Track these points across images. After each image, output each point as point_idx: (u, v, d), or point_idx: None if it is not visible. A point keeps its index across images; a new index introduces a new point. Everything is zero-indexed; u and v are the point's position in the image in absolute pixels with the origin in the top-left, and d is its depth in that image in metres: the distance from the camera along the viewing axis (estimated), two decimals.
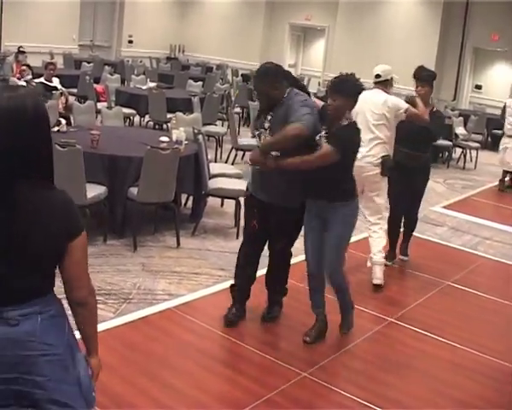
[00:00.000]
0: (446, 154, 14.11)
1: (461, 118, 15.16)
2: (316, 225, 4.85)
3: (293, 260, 5.38)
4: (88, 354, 2.61)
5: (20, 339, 2.33)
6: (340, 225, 4.79)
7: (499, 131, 13.31)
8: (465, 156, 14.13)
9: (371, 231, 6.35)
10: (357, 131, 4.77)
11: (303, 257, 5.08)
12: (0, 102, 2.29)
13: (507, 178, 11.96)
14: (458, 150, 14.33)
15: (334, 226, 4.78)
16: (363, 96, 4.93)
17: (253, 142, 6.81)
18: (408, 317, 5.74)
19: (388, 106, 6.10)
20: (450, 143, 13.58)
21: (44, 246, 2.34)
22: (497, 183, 12.12)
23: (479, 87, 19.75)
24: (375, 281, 6.27)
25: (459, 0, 18.75)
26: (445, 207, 10.08)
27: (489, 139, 16.65)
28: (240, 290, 5.26)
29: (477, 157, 14.14)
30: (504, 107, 11.95)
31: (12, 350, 2.33)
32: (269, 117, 4.83)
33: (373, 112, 6.11)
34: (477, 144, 14.38)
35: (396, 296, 6.32)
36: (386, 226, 6.56)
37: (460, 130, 14.44)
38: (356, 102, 4.76)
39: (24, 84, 9.87)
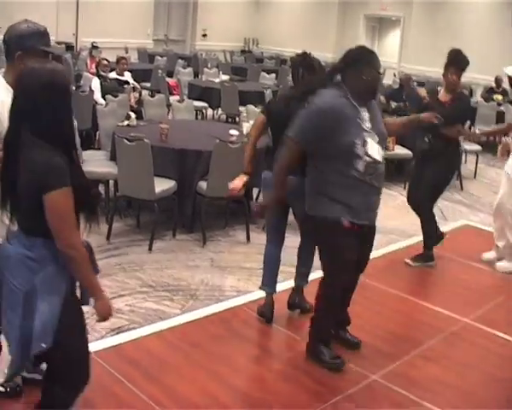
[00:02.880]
0: None
1: None
2: None
3: None
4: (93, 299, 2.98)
5: (4, 256, 2.88)
6: None
7: None
8: None
9: None
10: None
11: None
12: (32, 67, 2.81)
13: None
14: None
15: None
16: None
17: None
18: (486, 318, 5.47)
19: None
20: None
21: (24, 191, 2.77)
22: None
23: None
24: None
25: None
26: None
27: None
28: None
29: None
30: None
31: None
32: (365, 115, 4.20)
33: None
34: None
35: (473, 296, 6.02)
36: None
37: None
38: None
39: (97, 79, 9.92)
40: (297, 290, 5.22)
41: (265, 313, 5.03)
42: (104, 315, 3.00)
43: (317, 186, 4.27)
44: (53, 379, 3.02)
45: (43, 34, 3.40)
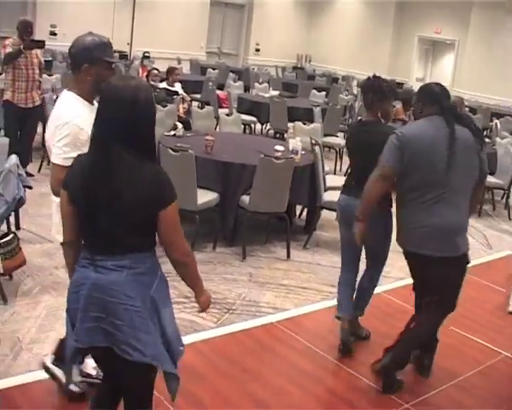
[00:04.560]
0: None
1: None
2: None
3: (402, 283, 5.10)
4: (196, 295, 3.11)
5: (105, 286, 2.76)
6: None
7: None
8: None
9: None
10: None
11: (410, 281, 4.75)
12: (115, 84, 2.79)
13: None
14: None
15: None
16: None
17: None
18: None
19: None
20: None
21: (135, 208, 2.72)
22: None
23: None
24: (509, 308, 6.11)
25: None
26: None
27: None
28: None
29: None
30: None
31: (99, 294, 2.76)
32: None
33: None
34: None
35: None
36: None
37: None
38: None
39: None
40: (353, 319, 5.08)
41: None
42: (207, 305, 3.18)
43: None
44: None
45: (107, 46, 3.50)
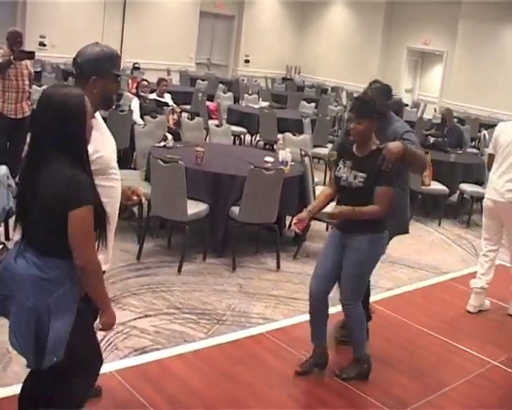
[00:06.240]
0: None
1: None
2: None
3: (391, 293, 5.11)
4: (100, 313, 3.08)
5: (13, 272, 2.92)
6: None
7: None
8: None
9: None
10: None
11: (399, 291, 4.79)
12: (48, 91, 2.93)
13: None
14: None
15: None
16: None
17: None
18: None
19: None
20: None
21: (47, 207, 2.83)
22: None
23: None
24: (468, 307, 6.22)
25: None
26: None
27: None
28: None
29: None
30: None
31: (7, 275, 2.94)
32: None
33: None
34: None
35: (504, 339, 5.91)
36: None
37: None
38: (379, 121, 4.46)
39: (136, 99, 10.00)
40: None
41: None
42: (108, 327, 3.16)
43: None
44: (62, 378, 3.10)
45: (116, 57, 3.41)
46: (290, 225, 7.95)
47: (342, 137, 5.79)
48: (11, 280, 2.92)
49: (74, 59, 3.36)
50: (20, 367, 4.26)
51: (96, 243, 2.99)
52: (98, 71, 3.27)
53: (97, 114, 3.44)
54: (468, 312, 6.20)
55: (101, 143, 3.29)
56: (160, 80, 10.91)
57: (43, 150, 2.87)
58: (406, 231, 5.26)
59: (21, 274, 2.89)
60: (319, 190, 7.54)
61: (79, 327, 3.00)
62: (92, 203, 2.87)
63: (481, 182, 9.42)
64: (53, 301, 2.87)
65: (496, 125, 6.38)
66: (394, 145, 4.37)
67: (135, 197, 3.52)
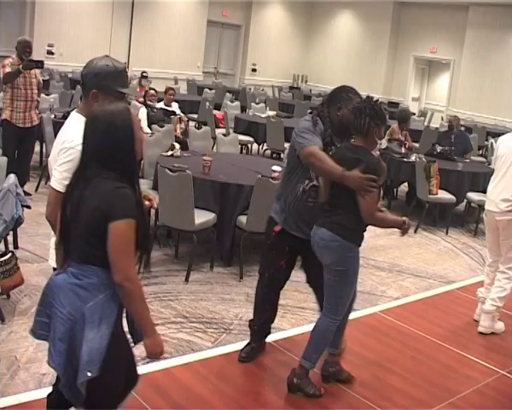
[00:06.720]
0: None
1: None
2: None
3: (398, 302, 5.08)
4: (144, 335, 2.96)
5: (52, 286, 2.92)
6: None
7: None
8: None
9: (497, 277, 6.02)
10: None
11: (406, 300, 4.78)
12: (94, 110, 2.98)
13: None
14: None
15: None
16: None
17: None
18: None
19: None
20: None
21: (88, 219, 2.81)
22: None
23: None
24: (479, 328, 6.01)
25: None
26: None
27: None
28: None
29: None
30: None
31: (48, 292, 2.93)
32: None
33: None
34: None
35: None
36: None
37: None
38: None
39: (144, 108, 10.03)
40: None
41: None
42: (155, 353, 3.00)
43: None
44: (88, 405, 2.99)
45: (119, 74, 3.34)
46: None
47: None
48: (52, 295, 2.90)
49: (82, 71, 3.37)
50: (28, 376, 4.29)
51: (137, 267, 2.90)
52: (98, 85, 3.26)
53: None
54: (475, 321, 6.19)
55: None
56: (168, 89, 10.95)
57: (89, 169, 2.86)
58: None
59: (59, 284, 2.89)
60: None
61: (117, 347, 2.90)
62: (135, 219, 2.81)
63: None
64: (88, 310, 2.81)
65: (503, 134, 6.38)
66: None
67: (147, 202, 3.49)
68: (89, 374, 2.77)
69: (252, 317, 5.08)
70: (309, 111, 4.76)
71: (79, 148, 3.07)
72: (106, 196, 2.79)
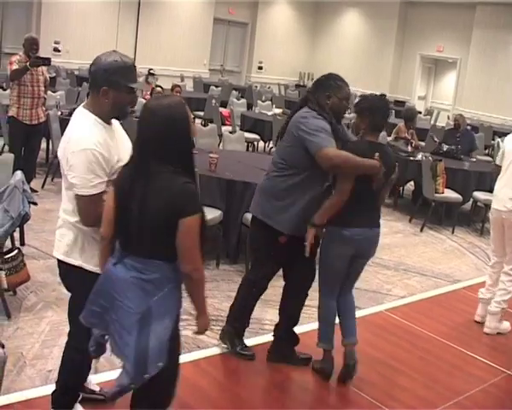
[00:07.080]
0: None
1: None
2: None
3: (404, 301, 5.06)
4: (197, 316, 3.14)
5: (114, 280, 2.96)
6: None
7: None
8: None
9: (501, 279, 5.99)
10: None
11: (412, 299, 4.78)
12: (150, 105, 3.00)
13: None
14: None
15: None
16: None
17: None
18: None
19: None
20: None
21: (156, 216, 2.87)
22: None
23: None
24: (485, 329, 6.00)
25: None
26: None
27: None
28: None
29: None
30: None
31: (109, 285, 2.98)
32: None
33: None
34: None
35: None
36: None
37: None
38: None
39: None
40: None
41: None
42: (205, 329, 3.23)
43: None
44: (144, 400, 3.14)
45: (128, 69, 3.31)
46: None
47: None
48: (113, 288, 2.97)
49: (90, 66, 3.33)
50: (34, 372, 4.29)
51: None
52: (108, 81, 3.23)
53: (116, 122, 3.45)
54: (475, 321, 6.17)
55: (123, 152, 3.28)
56: (174, 86, 10.92)
57: (149, 164, 2.90)
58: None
59: (123, 277, 2.94)
60: None
61: (175, 338, 3.06)
62: (202, 213, 2.93)
63: None
64: (154, 304, 2.92)
65: (510, 133, 6.37)
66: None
67: None
68: (160, 364, 2.91)
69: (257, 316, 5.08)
70: (300, 104, 4.62)
71: (94, 148, 3.11)
72: (176, 192, 2.86)
